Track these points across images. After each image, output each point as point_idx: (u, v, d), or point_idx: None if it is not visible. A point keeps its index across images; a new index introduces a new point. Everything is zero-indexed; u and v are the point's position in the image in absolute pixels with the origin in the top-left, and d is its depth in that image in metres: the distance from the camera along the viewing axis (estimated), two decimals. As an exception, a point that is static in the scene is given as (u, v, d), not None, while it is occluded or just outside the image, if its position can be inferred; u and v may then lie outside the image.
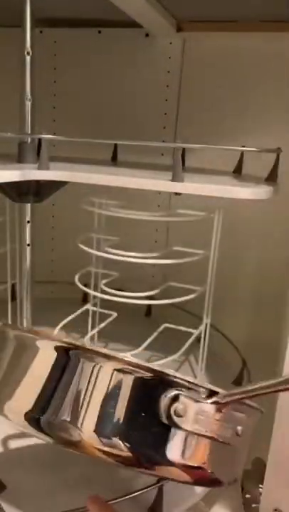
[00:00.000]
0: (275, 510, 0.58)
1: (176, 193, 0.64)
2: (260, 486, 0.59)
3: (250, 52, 0.93)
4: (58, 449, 0.41)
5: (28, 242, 0.80)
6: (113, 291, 0.72)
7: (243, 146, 0.73)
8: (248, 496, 0.63)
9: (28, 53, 0.72)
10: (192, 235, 0.81)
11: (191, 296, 0.76)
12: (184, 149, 0.64)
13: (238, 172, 0.80)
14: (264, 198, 0.62)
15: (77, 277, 0.81)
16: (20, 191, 0.76)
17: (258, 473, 0.63)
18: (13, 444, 0.68)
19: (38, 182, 0.75)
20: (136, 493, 0.57)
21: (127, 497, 0.56)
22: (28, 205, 0.79)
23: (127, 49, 1.01)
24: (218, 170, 0.80)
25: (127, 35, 0.99)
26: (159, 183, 0.64)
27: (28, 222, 0.79)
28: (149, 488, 0.57)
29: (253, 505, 0.61)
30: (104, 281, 0.76)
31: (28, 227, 0.80)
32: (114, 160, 0.91)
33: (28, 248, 0.81)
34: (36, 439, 0.42)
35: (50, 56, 1.06)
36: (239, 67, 0.95)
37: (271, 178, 0.70)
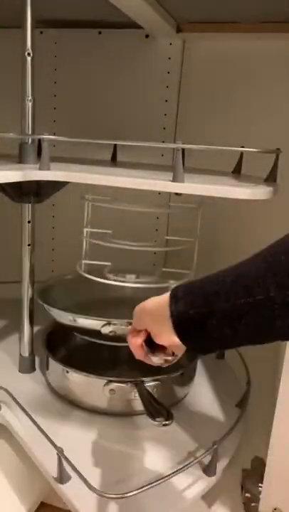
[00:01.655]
0: (275, 509, 0.58)
1: (177, 194, 0.64)
2: (260, 485, 0.59)
3: (249, 52, 0.93)
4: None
5: (28, 242, 0.80)
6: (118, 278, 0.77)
7: (243, 147, 0.73)
8: (248, 495, 0.63)
9: (28, 54, 0.72)
10: (188, 234, 0.81)
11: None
12: (183, 150, 0.64)
13: (237, 172, 0.80)
14: (263, 198, 0.63)
15: (78, 265, 0.83)
16: (20, 191, 0.76)
17: (257, 472, 0.63)
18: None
19: (38, 182, 0.75)
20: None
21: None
22: (29, 206, 0.79)
23: (127, 50, 1.01)
24: (218, 170, 0.81)
25: (127, 36, 0.99)
26: (160, 184, 0.64)
27: (29, 222, 0.80)
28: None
29: (253, 505, 0.61)
30: (107, 269, 0.79)
31: (28, 227, 0.80)
32: (113, 160, 0.92)
33: (29, 248, 0.81)
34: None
35: (51, 57, 1.06)
36: (239, 68, 0.95)
37: (271, 178, 0.70)
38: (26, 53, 0.72)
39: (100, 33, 1.02)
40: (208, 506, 0.65)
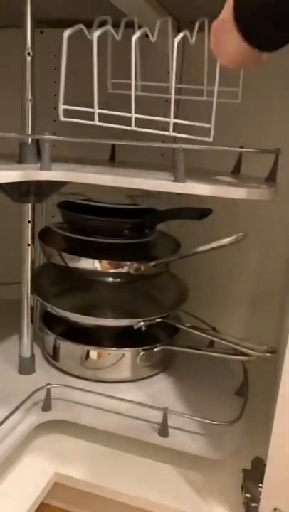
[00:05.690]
0: (275, 509, 0.58)
1: (178, 194, 0.64)
2: (260, 485, 0.59)
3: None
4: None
5: (28, 242, 0.80)
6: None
7: (242, 147, 0.73)
8: (248, 495, 0.63)
9: (28, 54, 0.72)
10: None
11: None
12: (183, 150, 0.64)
13: (236, 172, 0.80)
14: (264, 198, 0.63)
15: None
16: (21, 191, 0.76)
17: (258, 472, 0.63)
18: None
19: (38, 182, 0.75)
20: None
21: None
22: (29, 205, 0.79)
23: (127, 50, 1.01)
24: (217, 170, 0.81)
25: (126, 36, 0.99)
26: (161, 184, 0.64)
27: (29, 222, 0.80)
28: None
29: (253, 505, 0.61)
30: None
31: (28, 227, 0.80)
32: (112, 160, 0.91)
33: (29, 248, 0.81)
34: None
35: (51, 57, 1.06)
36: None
37: (271, 178, 0.70)
38: (26, 53, 0.72)
39: (99, 32, 1.01)
40: (208, 506, 0.65)
